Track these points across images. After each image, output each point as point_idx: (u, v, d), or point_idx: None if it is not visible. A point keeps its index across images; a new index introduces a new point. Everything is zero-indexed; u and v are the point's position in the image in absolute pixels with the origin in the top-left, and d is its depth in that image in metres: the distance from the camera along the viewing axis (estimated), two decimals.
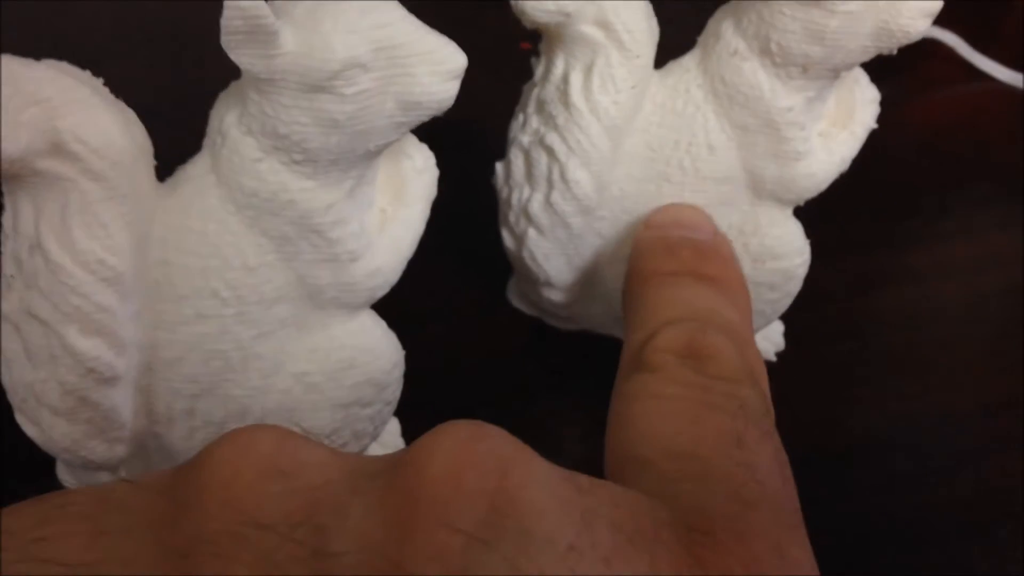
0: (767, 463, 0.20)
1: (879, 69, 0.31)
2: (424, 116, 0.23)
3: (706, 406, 0.22)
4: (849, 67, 0.29)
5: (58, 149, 0.21)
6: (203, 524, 0.16)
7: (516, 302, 0.36)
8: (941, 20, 0.30)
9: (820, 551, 0.30)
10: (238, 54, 0.21)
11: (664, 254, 0.28)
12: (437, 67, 0.22)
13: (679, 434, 0.21)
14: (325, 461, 0.17)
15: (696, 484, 0.19)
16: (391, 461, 0.17)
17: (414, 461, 0.16)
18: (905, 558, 0.30)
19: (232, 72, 0.24)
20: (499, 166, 0.32)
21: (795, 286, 0.32)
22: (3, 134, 0.20)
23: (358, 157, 0.23)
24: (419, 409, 0.30)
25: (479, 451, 0.16)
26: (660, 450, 0.21)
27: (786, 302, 0.33)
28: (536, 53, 0.31)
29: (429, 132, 0.26)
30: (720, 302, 0.26)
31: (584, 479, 0.18)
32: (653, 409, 0.22)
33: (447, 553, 0.15)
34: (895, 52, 0.28)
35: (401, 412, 0.29)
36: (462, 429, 0.17)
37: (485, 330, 0.36)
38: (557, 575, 0.15)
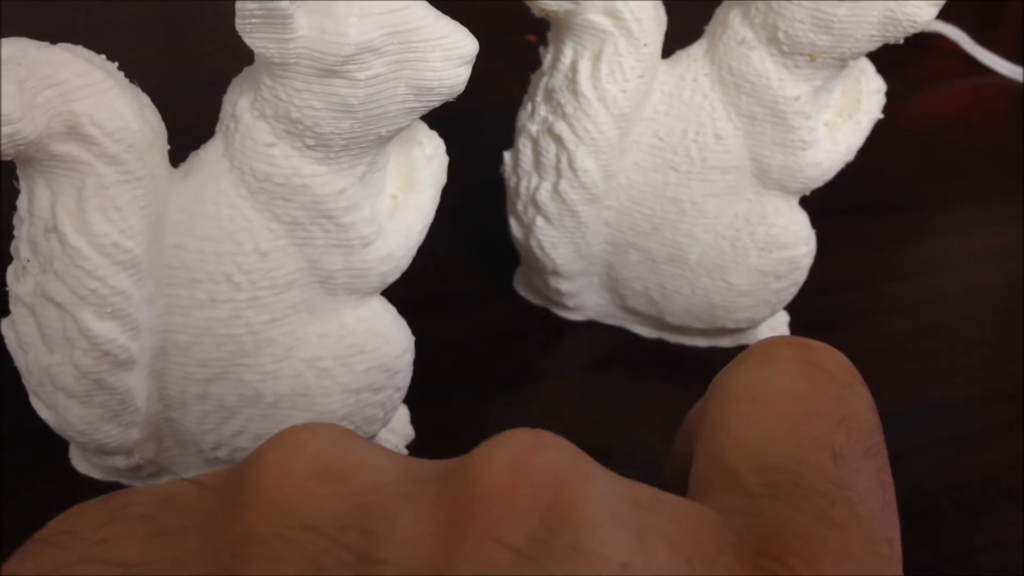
0: (865, 484, 0.19)
1: (882, 63, 0.32)
2: (435, 101, 0.23)
3: (809, 412, 0.20)
4: (856, 56, 0.29)
5: (74, 132, 0.21)
6: (253, 525, 0.15)
7: (523, 291, 0.36)
8: (944, 14, 0.30)
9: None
10: (252, 38, 0.21)
11: None
12: (449, 52, 0.22)
13: (774, 443, 0.19)
14: (378, 464, 0.17)
15: (779, 502, 0.18)
16: (446, 467, 0.17)
17: (469, 470, 0.16)
18: (906, 537, 0.30)
19: (238, 60, 0.24)
20: (507, 155, 0.33)
21: (800, 275, 0.32)
22: (19, 116, 0.20)
23: (370, 142, 0.23)
24: (427, 396, 0.30)
25: (535, 464, 0.16)
26: (750, 462, 0.19)
27: (792, 291, 0.33)
28: (544, 44, 0.31)
29: (436, 122, 0.26)
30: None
31: (646, 493, 0.17)
32: (755, 413, 0.20)
33: (494, 568, 0.15)
34: (901, 41, 0.29)
35: (409, 399, 0.29)
36: (520, 438, 0.17)
37: (492, 319, 0.36)
38: None
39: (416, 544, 0.15)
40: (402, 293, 0.27)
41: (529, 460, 0.16)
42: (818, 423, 0.20)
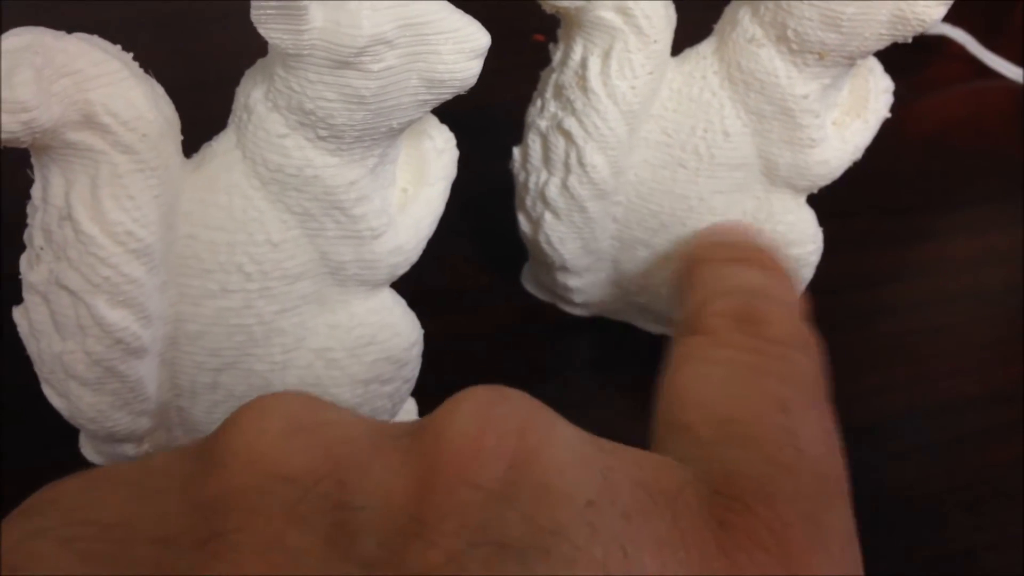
0: (811, 430, 0.20)
1: (888, 66, 0.32)
2: (447, 94, 0.23)
3: (754, 370, 0.22)
4: (864, 55, 0.29)
5: (89, 121, 0.21)
6: (229, 479, 0.16)
7: (531, 288, 0.36)
8: (950, 17, 0.30)
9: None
10: (267, 28, 0.21)
11: (717, 247, 0.29)
12: (462, 45, 0.23)
13: (723, 398, 0.21)
14: (349, 421, 0.17)
15: (731, 449, 0.19)
16: (414, 424, 0.17)
17: (436, 423, 0.17)
18: (908, 535, 0.30)
19: (245, 59, 0.24)
20: (516, 151, 0.33)
21: (808, 273, 0.33)
22: (36, 104, 0.20)
23: (382, 134, 0.23)
24: (433, 391, 0.30)
25: (500, 413, 0.17)
26: (702, 415, 0.21)
27: (799, 289, 0.33)
28: (554, 41, 0.32)
29: (443, 120, 0.27)
30: (772, 282, 0.26)
31: (606, 442, 0.18)
32: (702, 373, 0.22)
33: (466, 508, 0.15)
34: (910, 40, 0.29)
35: (416, 393, 0.29)
36: (483, 393, 0.17)
37: (499, 314, 0.36)
38: (576, 529, 0.15)
39: (389, 490, 0.16)
40: (410, 288, 0.27)
41: (494, 410, 0.17)
42: (763, 379, 0.21)
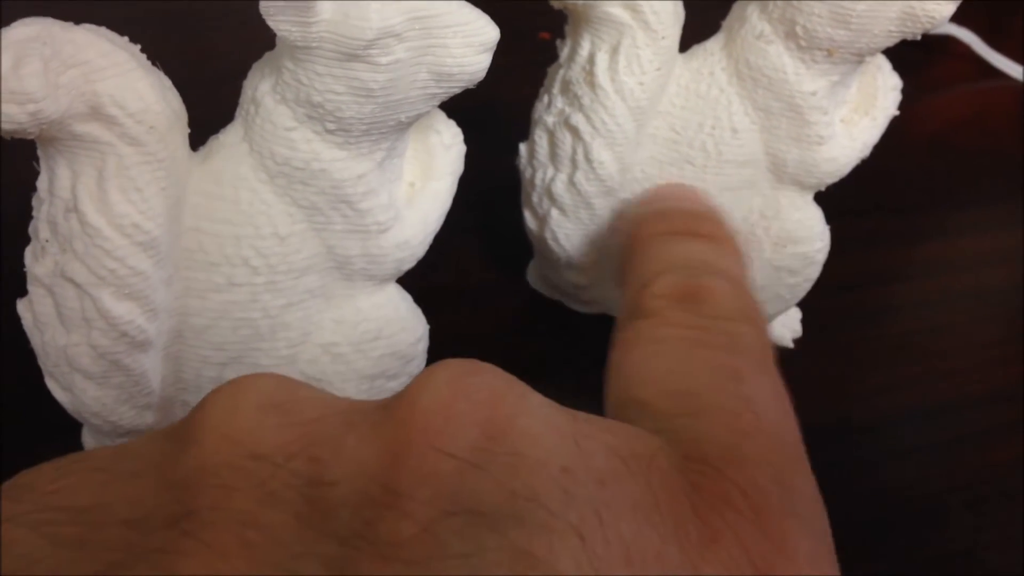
0: (765, 397, 0.20)
1: (894, 65, 0.32)
2: (456, 88, 0.23)
3: (701, 344, 0.22)
4: (873, 52, 0.29)
5: (96, 112, 0.21)
6: (202, 458, 0.16)
7: (536, 285, 0.36)
8: (956, 17, 0.30)
9: (829, 522, 0.30)
10: (276, 21, 0.21)
11: (657, 219, 0.28)
12: (471, 39, 0.23)
13: (674, 373, 0.21)
14: (323, 399, 0.17)
15: (692, 419, 0.19)
16: (387, 398, 0.17)
17: (408, 394, 0.17)
18: (909, 535, 0.30)
19: (249, 56, 0.24)
20: (523, 147, 0.33)
21: (814, 271, 0.32)
22: (44, 95, 0.20)
23: (390, 128, 0.23)
24: None
25: (472, 383, 0.17)
26: (655, 390, 0.21)
27: (805, 287, 0.33)
28: (560, 38, 0.31)
29: (449, 116, 0.26)
30: (715, 254, 0.26)
31: (578, 412, 0.18)
32: (649, 353, 0.22)
33: (439, 476, 0.15)
34: (919, 37, 0.29)
35: None
36: (456, 365, 0.17)
37: (504, 312, 0.36)
38: (550, 495, 0.15)
39: (362, 463, 0.16)
40: (415, 284, 0.27)
41: (466, 380, 0.17)
42: (711, 352, 0.21)
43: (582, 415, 0.18)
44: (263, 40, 0.24)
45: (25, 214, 0.23)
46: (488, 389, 0.17)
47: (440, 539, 0.15)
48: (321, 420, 0.17)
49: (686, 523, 0.16)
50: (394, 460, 0.16)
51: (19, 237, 0.24)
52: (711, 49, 0.30)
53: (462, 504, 0.15)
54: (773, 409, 0.20)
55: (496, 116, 0.36)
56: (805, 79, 0.29)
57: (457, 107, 0.26)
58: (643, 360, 0.22)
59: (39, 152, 0.22)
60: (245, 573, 0.14)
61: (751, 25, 0.29)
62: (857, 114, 0.31)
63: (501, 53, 0.24)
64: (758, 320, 0.24)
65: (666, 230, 0.27)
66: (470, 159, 0.27)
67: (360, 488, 0.15)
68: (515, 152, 0.33)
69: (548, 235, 0.32)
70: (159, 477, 0.16)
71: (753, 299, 0.25)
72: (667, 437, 0.18)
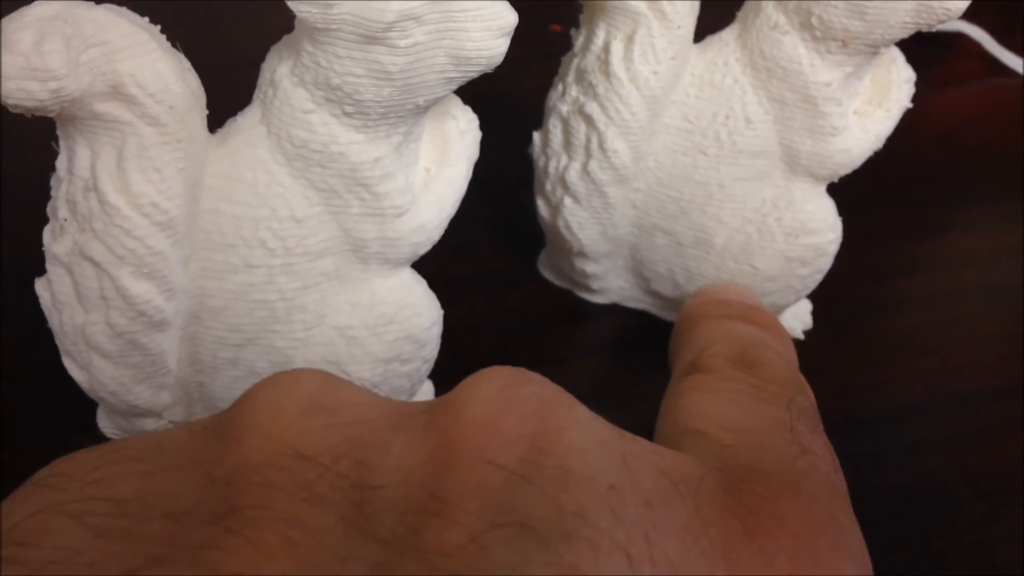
0: (819, 450, 0.20)
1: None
2: (474, 72, 0.23)
3: (758, 398, 0.22)
4: (888, 43, 0.29)
5: (117, 92, 0.21)
6: (246, 456, 0.16)
7: (547, 274, 0.36)
8: (967, 14, 0.30)
9: None
10: (296, 3, 0.21)
11: (715, 305, 0.29)
12: (489, 23, 0.23)
13: (733, 413, 0.21)
14: (367, 401, 0.17)
15: (751, 451, 0.19)
16: (432, 402, 0.17)
17: (455, 402, 0.17)
18: (920, 527, 0.30)
19: (262, 43, 0.24)
20: (536, 135, 0.33)
21: (826, 263, 0.33)
22: (65, 73, 0.20)
23: (408, 111, 0.23)
24: (449, 374, 0.30)
25: (520, 395, 0.17)
26: (714, 424, 0.21)
27: (816, 278, 0.33)
28: (573, 28, 0.32)
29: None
30: (769, 337, 0.27)
31: (625, 432, 0.18)
32: (708, 396, 0.22)
33: (487, 488, 0.15)
34: (934, 29, 0.29)
35: (432, 376, 0.29)
36: (503, 374, 0.17)
37: (516, 300, 0.36)
38: (598, 513, 0.15)
39: (408, 470, 0.16)
40: (427, 271, 0.27)
41: (514, 391, 0.17)
42: (768, 406, 0.22)
43: (628, 435, 0.18)
44: (281, 23, 0.24)
45: (30, 200, 0.23)
46: (537, 401, 0.17)
47: (488, 550, 0.14)
48: (367, 422, 0.17)
49: (738, 546, 0.16)
50: (442, 469, 0.15)
51: (24, 224, 0.24)
52: (726, 39, 0.30)
53: (510, 516, 0.15)
54: (825, 462, 0.20)
55: (509, 106, 0.36)
56: (820, 70, 0.29)
57: (470, 97, 0.26)
58: (701, 400, 0.22)
59: (58, 131, 0.22)
60: (290, 573, 0.14)
61: (766, 15, 0.29)
62: (871, 106, 0.31)
63: (514, 44, 0.24)
64: (810, 393, 0.24)
65: (723, 313, 0.28)
66: (483, 148, 0.27)
67: (406, 494, 0.15)
68: (528, 141, 0.33)
69: (561, 223, 0.32)
70: (202, 472, 0.16)
71: (803, 380, 0.25)
72: (722, 462, 0.18)
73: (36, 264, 0.24)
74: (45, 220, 0.23)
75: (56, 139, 0.23)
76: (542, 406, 0.17)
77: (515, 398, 0.16)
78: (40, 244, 0.23)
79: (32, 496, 0.16)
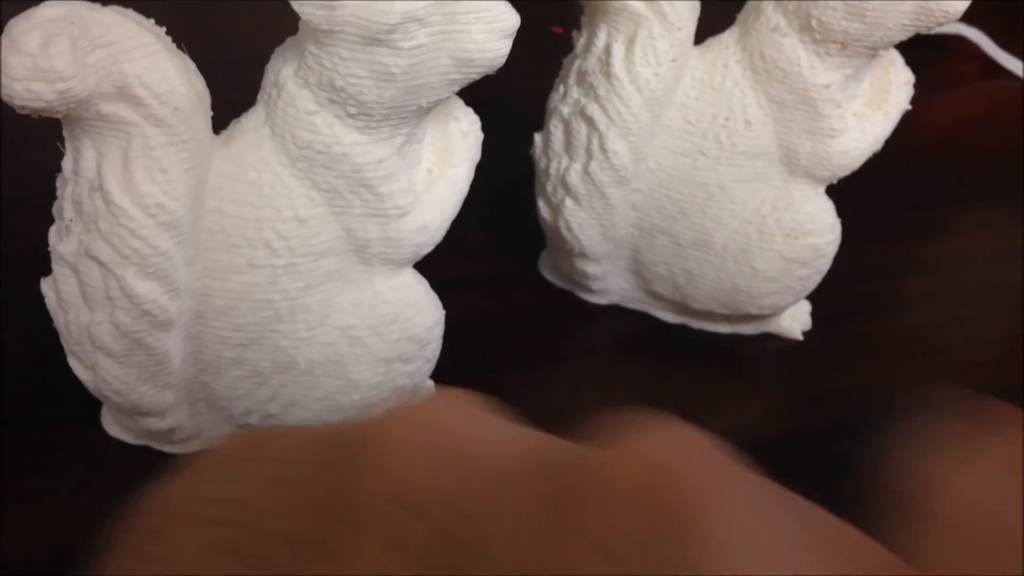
0: None
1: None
2: (476, 74, 0.23)
3: None
4: (887, 46, 0.29)
5: (123, 93, 0.21)
6: (358, 492, 0.15)
7: (548, 274, 0.37)
8: (966, 17, 0.30)
9: (838, 513, 0.31)
10: (301, 4, 0.22)
11: None
12: (491, 25, 0.23)
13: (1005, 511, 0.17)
14: (496, 444, 0.16)
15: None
16: (574, 458, 0.15)
17: (598, 469, 0.14)
18: None
19: (273, 32, 0.24)
20: (538, 137, 0.33)
21: (825, 263, 0.33)
22: (72, 74, 0.20)
23: (410, 113, 0.23)
24: (450, 374, 0.31)
25: (676, 469, 0.14)
26: (976, 517, 0.17)
27: (816, 279, 0.33)
28: (576, 30, 0.32)
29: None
30: None
31: (801, 504, 0.15)
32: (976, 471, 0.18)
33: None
34: (933, 31, 0.29)
35: (433, 377, 0.29)
36: (658, 438, 0.15)
37: (516, 301, 0.36)
38: None
39: (527, 545, 0.14)
40: (429, 273, 0.27)
41: (664, 469, 0.14)
42: None
43: (801, 506, 0.15)
44: (285, 24, 0.24)
45: (42, 196, 0.23)
46: (690, 482, 0.14)
47: None
48: (489, 474, 0.15)
49: None
50: (553, 551, 0.14)
51: (25, 223, 0.24)
52: (726, 42, 0.31)
53: None
54: None
55: (510, 108, 0.36)
56: (819, 72, 0.29)
57: (471, 98, 0.26)
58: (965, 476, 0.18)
59: (64, 132, 0.23)
60: None
61: (766, 18, 0.30)
62: (870, 108, 0.32)
63: (515, 46, 0.24)
64: None
65: None
66: (484, 150, 0.27)
67: (519, 563, 0.14)
68: (529, 143, 0.33)
69: (562, 224, 0.33)
70: (318, 496, 0.15)
71: None
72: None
73: (37, 263, 0.24)
74: (45, 219, 0.23)
75: (60, 139, 0.23)
76: (697, 487, 0.14)
77: (670, 474, 0.14)
78: (41, 243, 0.23)
79: (181, 484, 0.16)
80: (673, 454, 0.14)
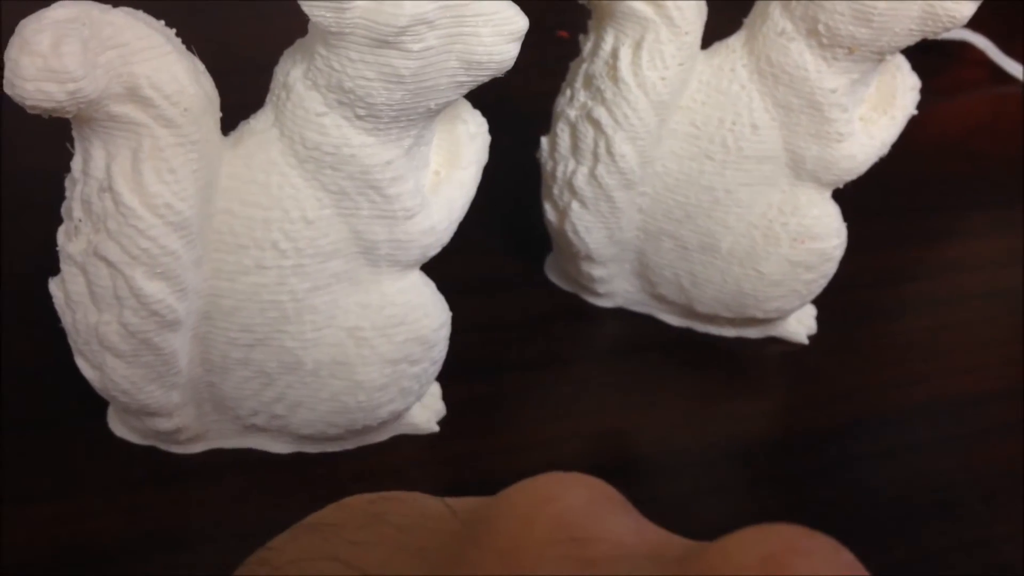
0: None
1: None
2: (484, 76, 0.24)
3: None
4: (894, 50, 0.29)
5: (133, 94, 0.21)
6: (480, 569, 0.15)
7: (553, 277, 0.37)
8: (971, 23, 0.30)
9: (844, 514, 0.30)
10: (311, 7, 0.22)
11: None
12: (500, 28, 0.23)
13: None
14: (624, 535, 0.15)
15: None
16: (690, 552, 0.15)
17: (714, 560, 0.14)
18: (925, 526, 0.31)
19: (281, 35, 0.24)
20: (544, 140, 0.33)
21: (831, 268, 0.33)
22: (83, 74, 0.20)
23: (419, 115, 0.24)
24: (456, 376, 0.31)
25: (785, 562, 0.14)
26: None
27: (821, 283, 0.33)
28: (582, 34, 0.32)
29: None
30: None
31: None
32: None
33: None
34: (940, 36, 0.29)
35: (439, 377, 0.29)
36: (775, 541, 0.14)
37: (522, 303, 0.36)
38: None
39: None
40: (435, 275, 0.28)
41: (774, 560, 0.14)
42: None
43: None
44: (294, 26, 0.24)
45: (50, 197, 0.24)
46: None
47: None
48: (614, 563, 0.15)
49: None
50: None
51: (26, 223, 0.24)
52: (733, 46, 0.31)
53: None
54: None
55: (516, 111, 0.36)
56: (826, 76, 0.29)
57: (478, 102, 0.27)
58: None
59: (74, 132, 0.23)
60: None
61: (773, 22, 0.30)
62: (876, 112, 0.32)
63: (522, 49, 0.24)
64: None
65: None
66: (492, 152, 0.27)
67: None
68: (535, 146, 0.33)
69: (568, 227, 0.33)
70: (439, 569, 0.15)
71: None
72: None
73: (45, 263, 0.24)
74: (53, 219, 0.24)
75: (68, 140, 0.23)
76: None
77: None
78: (49, 243, 0.24)
79: (302, 537, 0.17)
80: (785, 546, 0.14)
